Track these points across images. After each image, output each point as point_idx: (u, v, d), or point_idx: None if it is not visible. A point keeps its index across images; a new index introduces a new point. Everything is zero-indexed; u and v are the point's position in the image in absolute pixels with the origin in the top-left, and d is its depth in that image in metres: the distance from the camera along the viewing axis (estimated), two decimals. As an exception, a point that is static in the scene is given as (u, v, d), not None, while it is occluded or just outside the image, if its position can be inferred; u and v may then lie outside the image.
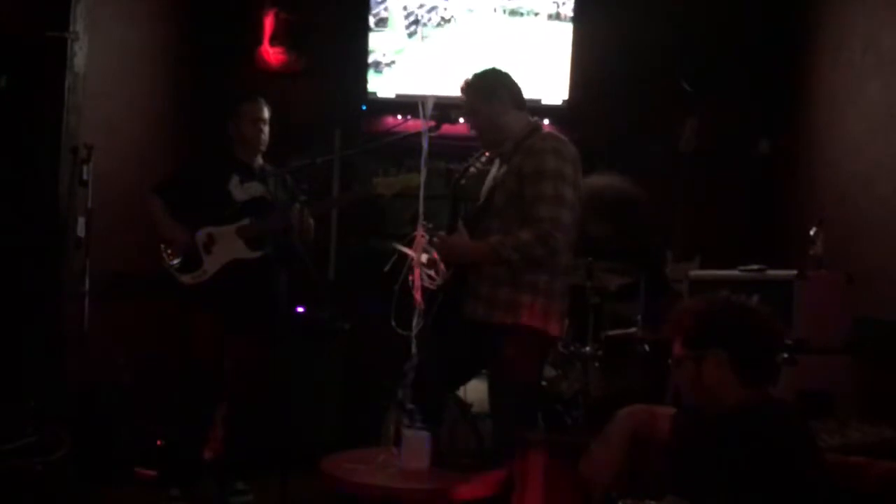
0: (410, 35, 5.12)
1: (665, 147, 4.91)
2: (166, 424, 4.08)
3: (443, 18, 5.10)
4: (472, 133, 3.14)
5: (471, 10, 5.08)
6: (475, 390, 3.63)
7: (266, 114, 3.90)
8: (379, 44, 5.13)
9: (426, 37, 5.11)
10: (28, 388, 3.55)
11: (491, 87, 3.06)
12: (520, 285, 2.93)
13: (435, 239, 2.90)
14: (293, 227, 3.56)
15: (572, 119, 4.95)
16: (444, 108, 2.97)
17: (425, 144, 2.80)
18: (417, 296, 2.77)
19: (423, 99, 2.83)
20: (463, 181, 3.10)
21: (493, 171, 3.14)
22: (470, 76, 3.10)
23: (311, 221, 3.72)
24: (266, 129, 3.90)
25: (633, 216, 3.99)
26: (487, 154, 3.13)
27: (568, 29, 5.02)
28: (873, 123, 4.01)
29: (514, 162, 2.98)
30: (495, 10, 5.07)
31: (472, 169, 3.11)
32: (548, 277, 2.95)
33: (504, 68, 3.16)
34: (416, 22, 5.12)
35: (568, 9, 5.01)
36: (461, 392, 3.61)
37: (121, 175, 4.32)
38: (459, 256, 2.95)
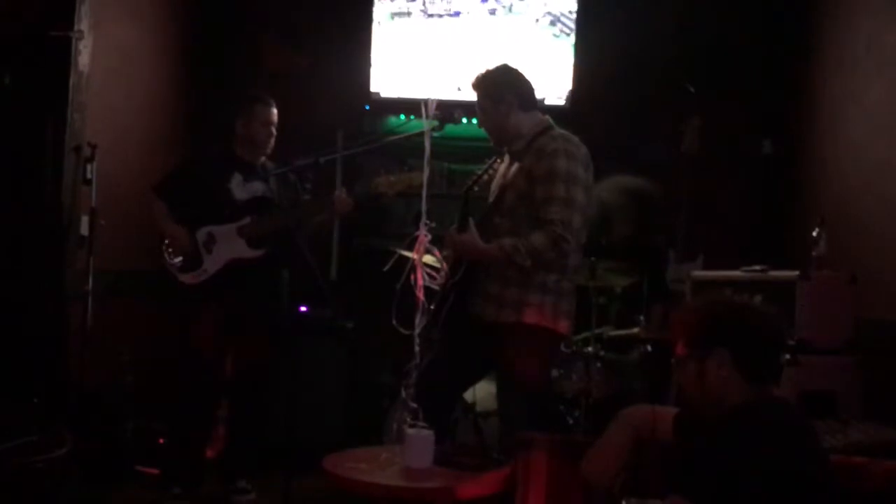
0: (413, 34, 5.13)
1: (668, 148, 4.90)
2: (169, 423, 4.08)
3: (446, 13, 5.11)
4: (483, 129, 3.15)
5: (472, 9, 5.10)
6: (477, 389, 3.63)
7: (276, 118, 3.90)
8: (382, 42, 5.14)
9: (429, 35, 5.11)
10: (30, 387, 3.56)
11: (498, 89, 3.07)
12: (529, 285, 2.94)
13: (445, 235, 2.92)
14: (294, 226, 3.56)
15: (575, 119, 4.95)
16: (447, 109, 2.97)
17: (428, 145, 2.80)
18: (420, 294, 2.77)
19: (426, 99, 2.83)
20: (476, 188, 3.11)
21: (503, 167, 3.14)
22: (480, 73, 3.11)
23: (346, 197, 3.68)
24: (274, 132, 3.90)
25: (654, 215, 4.02)
26: (499, 161, 3.13)
27: (570, 29, 5.03)
28: (877, 124, 4.01)
29: (525, 162, 2.99)
30: (496, 9, 5.09)
31: (484, 177, 3.12)
32: (557, 277, 2.96)
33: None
34: (419, 18, 5.13)
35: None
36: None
37: (124, 174, 4.33)
38: (469, 254, 2.96)
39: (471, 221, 2.97)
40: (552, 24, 5.04)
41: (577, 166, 2.93)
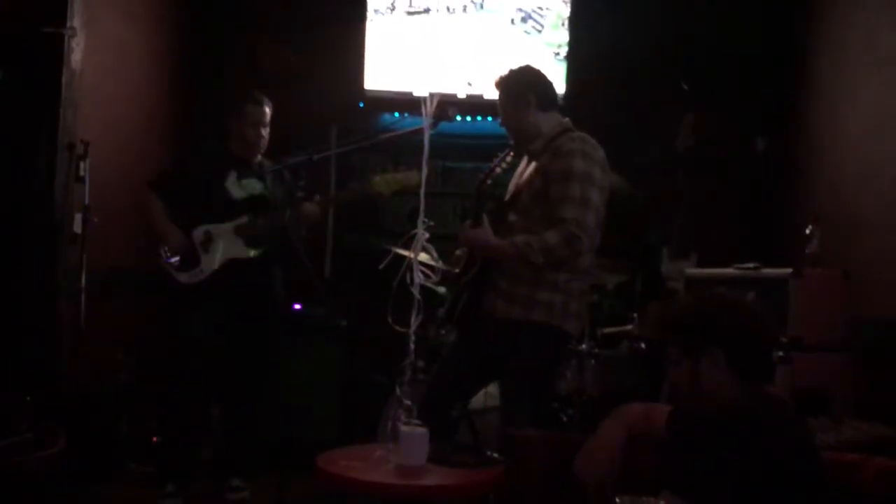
0: (408, 30, 5.13)
1: (662, 145, 4.91)
2: (163, 421, 4.08)
3: (446, 9, 5.11)
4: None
5: (471, 8, 5.10)
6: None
7: (268, 117, 3.88)
8: (376, 39, 5.13)
9: (423, 32, 5.10)
10: (25, 385, 3.55)
11: (518, 89, 3.09)
12: (540, 283, 2.94)
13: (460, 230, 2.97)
14: (290, 226, 3.56)
15: (569, 116, 4.95)
16: (441, 106, 2.97)
17: (427, 142, 2.79)
18: (415, 293, 2.77)
19: (426, 96, 2.81)
20: (489, 181, 3.11)
21: (521, 166, 3.16)
22: (503, 73, 3.13)
23: (312, 207, 3.71)
24: (266, 132, 3.88)
25: (627, 212, 4.01)
26: (512, 154, 3.14)
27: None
28: (871, 122, 4.02)
29: (541, 161, 3.00)
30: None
31: (497, 170, 3.12)
32: (568, 276, 2.97)
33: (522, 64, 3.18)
34: (415, 14, 5.13)
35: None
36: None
37: (117, 171, 4.31)
38: (481, 250, 2.98)
39: (484, 218, 2.98)
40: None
41: (593, 167, 2.93)
